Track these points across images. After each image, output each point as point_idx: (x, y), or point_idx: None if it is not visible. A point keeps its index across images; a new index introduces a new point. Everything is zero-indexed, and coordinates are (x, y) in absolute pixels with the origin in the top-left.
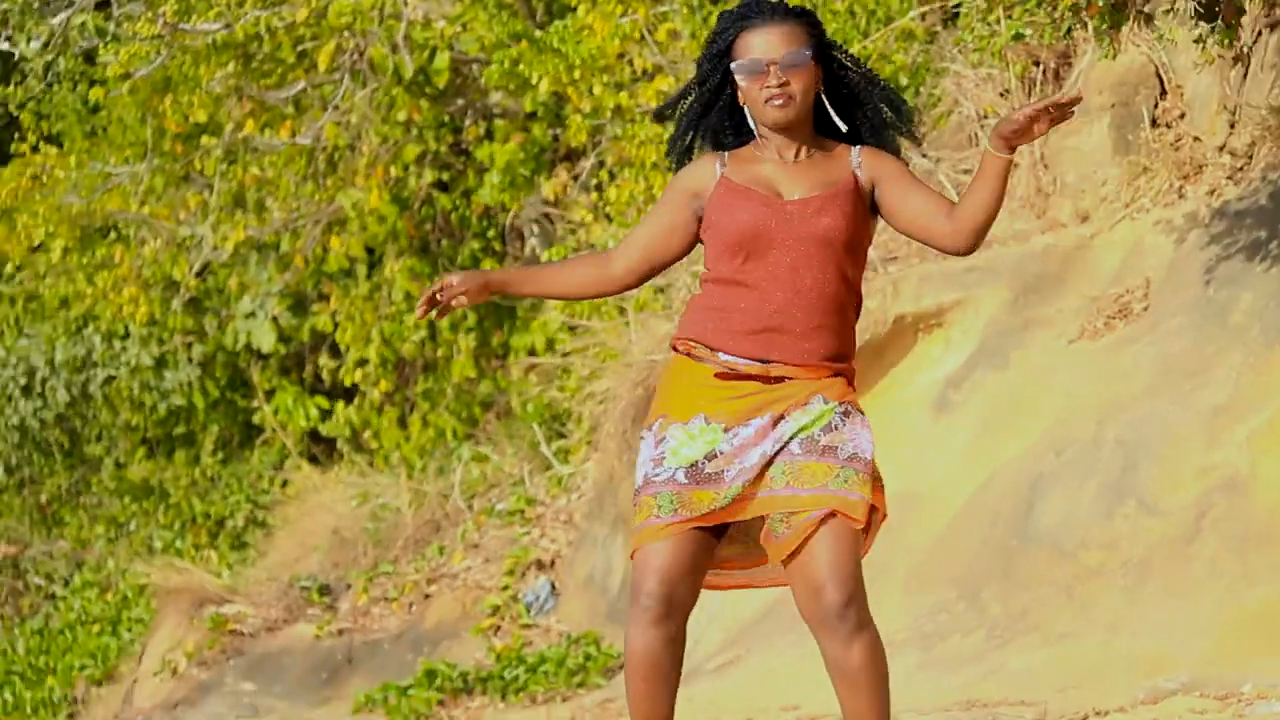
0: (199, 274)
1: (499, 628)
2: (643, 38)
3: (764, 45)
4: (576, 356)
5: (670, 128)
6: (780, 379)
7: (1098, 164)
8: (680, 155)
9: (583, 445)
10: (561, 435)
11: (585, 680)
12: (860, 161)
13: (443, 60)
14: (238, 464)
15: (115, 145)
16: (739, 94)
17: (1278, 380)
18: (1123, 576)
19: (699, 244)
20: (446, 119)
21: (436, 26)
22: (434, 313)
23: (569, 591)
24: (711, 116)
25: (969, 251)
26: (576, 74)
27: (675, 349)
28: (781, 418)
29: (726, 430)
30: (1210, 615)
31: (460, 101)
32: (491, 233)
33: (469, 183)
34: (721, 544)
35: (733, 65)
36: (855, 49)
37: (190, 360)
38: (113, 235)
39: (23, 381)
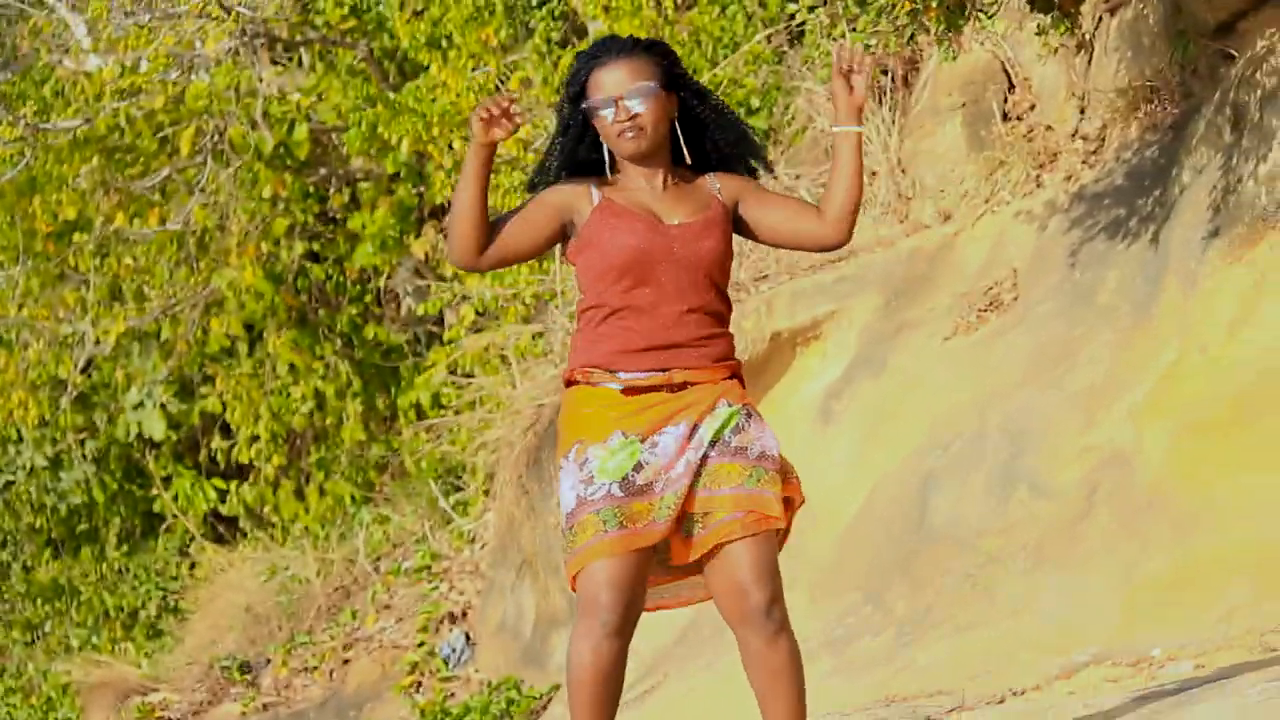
0: (84, 370)
1: (420, 684)
2: (497, 88)
3: (613, 82)
4: (464, 410)
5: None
6: (683, 385)
7: (954, 163)
8: (543, 187)
9: (480, 496)
10: (458, 488)
11: None
12: (719, 186)
13: (301, 132)
14: (144, 554)
15: None
16: (599, 130)
17: (1150, 354)
18: (1022, 560)
19: (552, 257)
20: (311, 189)
21: (292, 99)
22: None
23: (484, 640)
24: (580, 153)
25: (844, 241)
26: (435, 131)
27: (572, 381)
28: (696, 426)
29: (644, 441)
30: (1112, 587)
31: (323, 171)
32: (368, 297)
33: (340, 250)
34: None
35: (585, 105)
36: (705, 78)
37: (85, 457)
38: None
39: None
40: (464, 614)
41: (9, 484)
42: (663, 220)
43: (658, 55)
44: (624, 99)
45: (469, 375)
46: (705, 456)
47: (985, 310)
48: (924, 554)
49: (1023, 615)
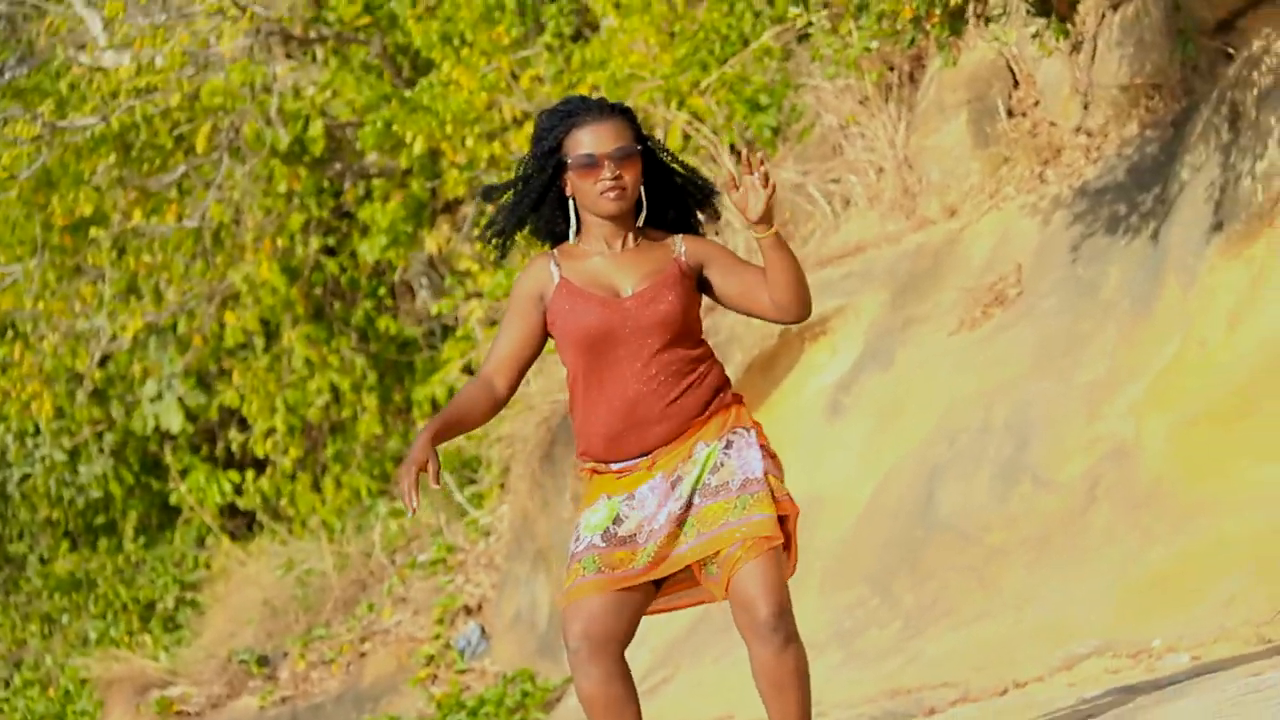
0: (100, 363)
1: (436, 676)
2: (508, 86)
3: (595, 140)
4: None
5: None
6: (657, 461)
7: (959, 159)
8: (498, 240)
9: (495, 489)
10: (473, 481)
11: (525, 716)
12: (685, 249)
13: (316, 128)
14: (160, 546)
15: (4, 244)
16: (567, 187)
17: (1151, 349)
18: (1025, 553)
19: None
20: (326, 184)
21: (307, 95)
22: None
23: (499, 632)
24: (543, 210)
25: (801, 319)
26: (448, 129)
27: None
28: (677, 478)
29: (619, 497)
30: (1113, 579)
31: (338, 166)
32: (382, 290)
33: (355, 244)
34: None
35: (568, 160)
36: (713, 75)
37: (102, 450)
38: (11, 334)
39: None
40: (479, 606)
41: (25, 477)
42: (619, 293)
43: (629, 118)
44: (610, 157)
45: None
46: (690, 504)
47: (990, 305)
48: (930, 546)
49: (1026, 607)
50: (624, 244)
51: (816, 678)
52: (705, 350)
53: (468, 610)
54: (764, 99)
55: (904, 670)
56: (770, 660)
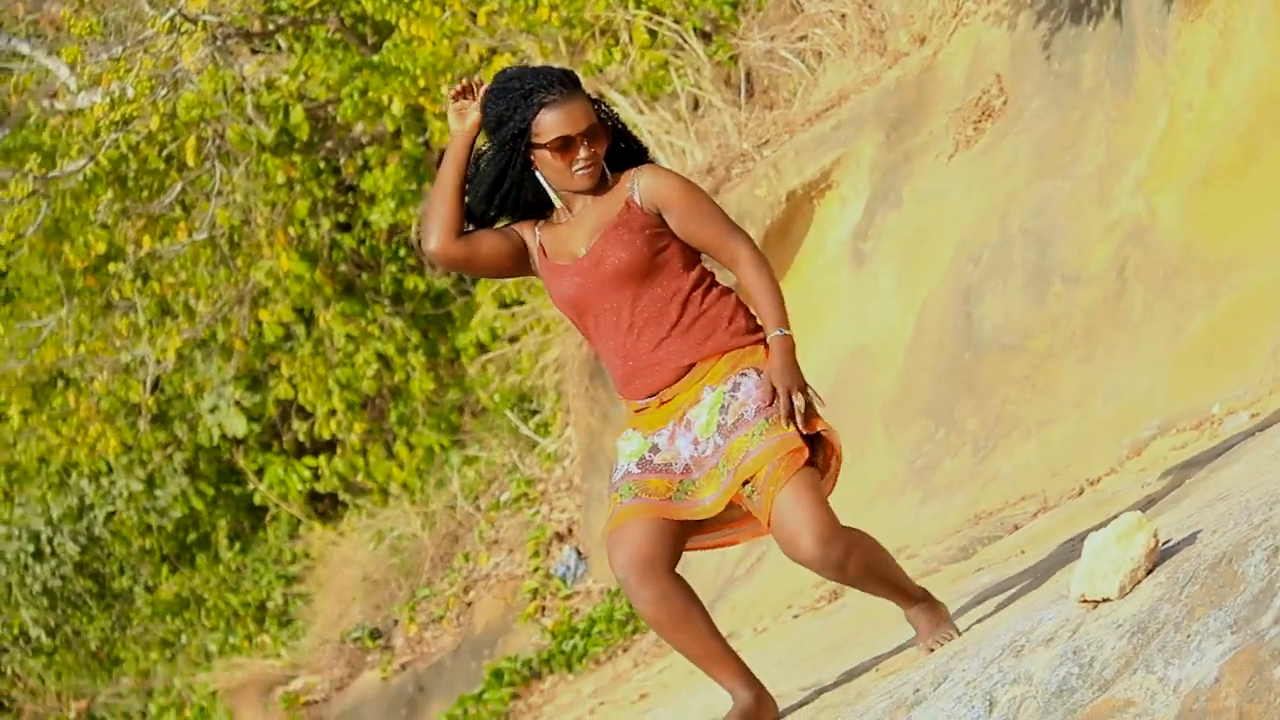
0: (153, 389)
1: (544, 608)
2: (469, 28)
3: (568, 121)
4: (521, 336)
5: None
6: (669, 400)
7: None
8: (481, 224)
9: (556, 414)
10: (535, 412)
11: (637, 625)
12: (638, 186)
13: (298, 114)
14: (256, 547)
15: (32, 299)
16: (535, 166)
17: (1143, 124)
18: (1073, 351)
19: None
20: (322, 165)
21: (280, 85)
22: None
23: (594, 551)
24: (524, 191)
25: None
26: (422, 82)
27: None
28: (687, 421)
29: (647, 435)
30: (1162, 356)
31: (329, 144)
32: (402, 251)
33: (365, 214)
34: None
35: (544, 144)
36: None
37: (175, 470)
38: (61, 384)
39: (31, 548)
40: (570, 530)
41: (111, 514)
42: (577, 254)
43: (584, 91)
44: (585, 136)
45: (519, 302)
46: (715, 446)
47: (980, 120)
48: (981, 367)
49: (1086, 404)
50: (584, 205)
51: (900, 520)
52: (697, 281)
53: (559, 537)
54: None
55: (983, 493)
56: (837, 579)
